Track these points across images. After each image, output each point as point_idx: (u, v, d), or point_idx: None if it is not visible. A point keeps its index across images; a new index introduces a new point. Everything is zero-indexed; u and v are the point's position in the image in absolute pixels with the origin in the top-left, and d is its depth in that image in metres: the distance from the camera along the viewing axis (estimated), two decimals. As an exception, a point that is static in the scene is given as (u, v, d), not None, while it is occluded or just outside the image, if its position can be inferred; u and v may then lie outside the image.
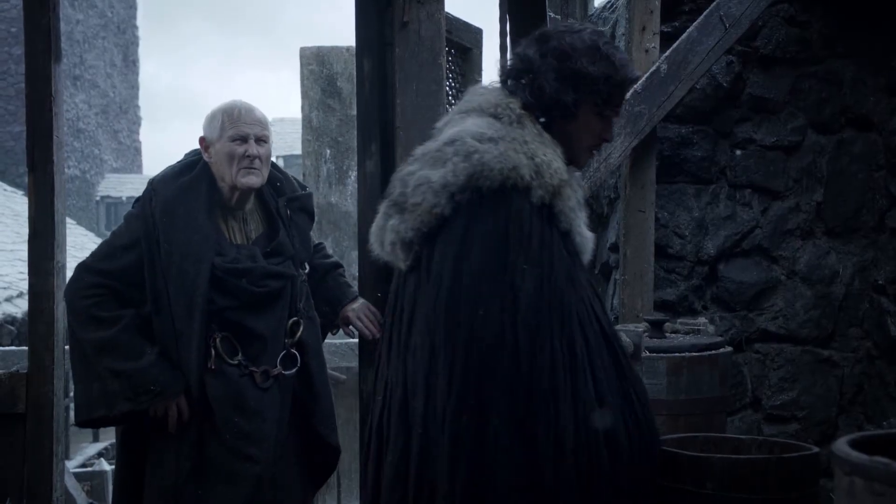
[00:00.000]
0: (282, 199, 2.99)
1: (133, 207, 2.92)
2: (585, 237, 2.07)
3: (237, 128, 2.86)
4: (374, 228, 2.11)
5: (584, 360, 1.93)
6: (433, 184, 1.98)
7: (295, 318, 2.89)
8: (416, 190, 2.00)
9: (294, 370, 2.85)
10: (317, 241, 3.19)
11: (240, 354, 2.81)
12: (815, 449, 2.21)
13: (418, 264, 2.02)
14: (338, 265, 3.16)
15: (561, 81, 2.05)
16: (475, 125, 2.04)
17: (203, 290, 2.75)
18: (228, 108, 2.91)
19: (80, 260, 2.86)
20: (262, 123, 2.93)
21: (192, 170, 2.90)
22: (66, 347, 3.06)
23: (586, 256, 2.09)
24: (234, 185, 2.86)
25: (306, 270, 2.97)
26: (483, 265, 1.94)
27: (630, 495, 1.97)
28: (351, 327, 3.01)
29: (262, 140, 2.89)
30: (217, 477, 2.74)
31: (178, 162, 2.97)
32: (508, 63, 2.16)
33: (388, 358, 2.13)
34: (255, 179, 2.87)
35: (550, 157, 2.01)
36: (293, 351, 2.87)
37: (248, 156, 2.84)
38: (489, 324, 1.91)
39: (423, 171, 2.01)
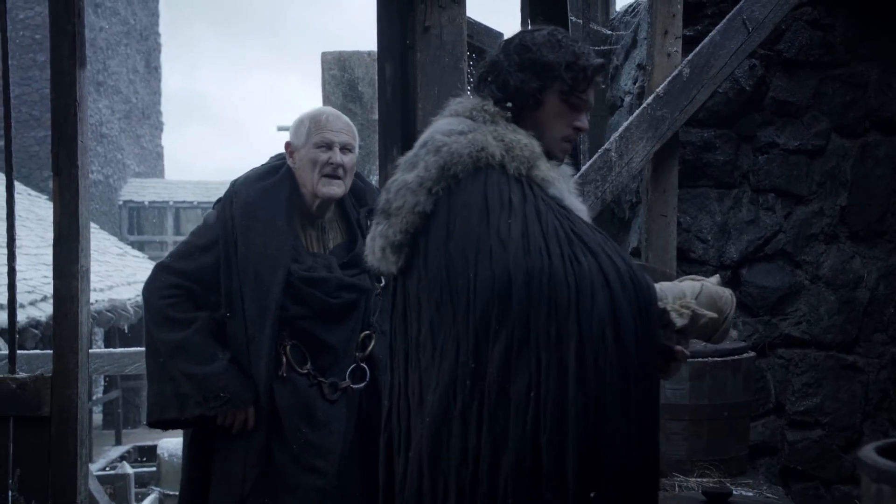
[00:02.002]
0: (363, 210, 2.95)
1: (213, 208, 2.92)
2: (578, 207, 2.10)
3: (322, 134, 2.84)
4: (367, 240, 2.17)
5: (587, 296, 1.90)
6: (410, 184, 2.04)
7: (367, 332, 2.85)
8: (397, 194, 2.06)
9: (363, 384, 2.81)
10: None
11: (309, 364, 2.78)
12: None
13: (412, 265, 2.06)
14: None
15: (523, 71, 2.12)
16: (446, 123, 2.12)
17: (277, 296, 2.73)
18: (316, 114, 2.90)
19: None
20: (350, 132, 2.90)
21: (276, 174, 2.89)
22: (91, 351, 3.08)
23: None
24: (315, 193, 2.85)
25: (382, 284, 2.92)
26: (466, 235, 1.97)
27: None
28: None
29: (347, 149, 2.87)
30: (283, 487, 2.71)
31: (262, 164, 2.97)
32: (478, 72, 2.23)
33: (398, 362, 2.13)
34: (337, 189, 2.85)
35: (521, 137, 2.07)
36: (363, 365, 2.83)
37: (332, 163, 2.82)
38: (482, 283, 1.93)
39: (402, 176, 2.08)
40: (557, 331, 1.88)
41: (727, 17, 3.95)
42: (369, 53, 6.59)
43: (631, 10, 4.89)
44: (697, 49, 3.93)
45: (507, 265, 1.91)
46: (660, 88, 3.88)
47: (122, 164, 21.23)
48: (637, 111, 3.92)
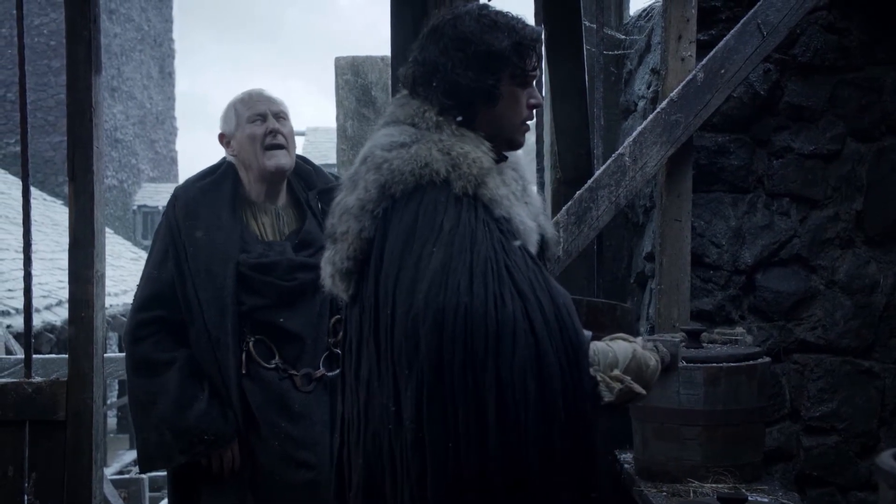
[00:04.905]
0: (312, 192, 2.89)
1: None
2: (528, 227, 1.96)
3: (253, 108, 2.80)
4: (321, 263, 2.05)
5: (507, 343, 1.75)
6: (351, 208, 1.91)
7: (338, 316, 2.69)
8: (341, 218, 1.94)
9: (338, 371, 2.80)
10: None
11: (276, 357, 2.74)
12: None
13: (360, 292, 1.95)
14: None
15: (472, 68, 1.94)
16: (386, 135, 1.96)
17: (231, 291, 2.67)
18: (241, 96, 2.87)
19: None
20: (279, 101, 2.85)
21: (215, 172, 2.86)
22: (105, 355, 3.08)
23: (531, 248, 1.96)
24: (263, 170, 2.77)
25: None
26: (390, 264, 1.85)
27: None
28: None
29: (280, 116, 2.81)
30: (274, 488, 2.67)
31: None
32: (411, 72, 2.05)
33: (342, 393, 2.06)
34: (284, 160, 2.78)
35: (469, 149, 1.91)
36: (337, 351, 2.71)
37: (272, 131, 2.77)
38: (398, 318, 1.81)
39: (344, 198, 1.95)
40: (475, 380, 1.72)
41: (741, 21, 3.94)
42: (383, 58, 6.61)
43: (645, 15, 4.88)
44: (712, 53, 3.92)
45: (417, 302, 1.76)
46: (674, 93, 3.88)
47: (137, 169, 21.32)
48: (651, 116, 3.91)
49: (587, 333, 1.88)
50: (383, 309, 1.84)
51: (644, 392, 1.91)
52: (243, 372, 2.69)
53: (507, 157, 2.07)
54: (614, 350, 1.92)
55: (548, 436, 1.75)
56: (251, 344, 2.71)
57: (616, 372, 1.88)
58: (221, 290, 2.68)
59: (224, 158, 2.89)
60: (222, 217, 2.76)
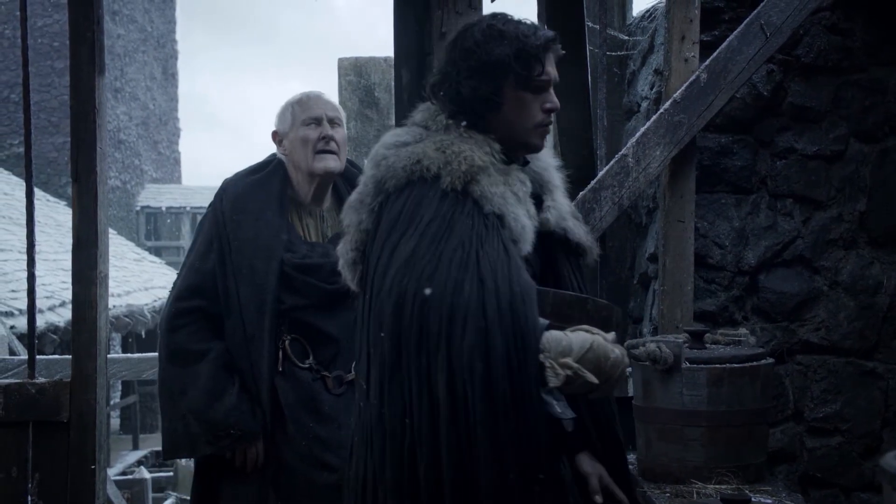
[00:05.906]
0: None
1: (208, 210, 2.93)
2: (523, 225, 2.04)
3: (309, 111, 2.83)
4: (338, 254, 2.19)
5: (458, 327, 1.85)
6: (352, 202, 2.06)
7: None
8: (346, 212, 2.09)
9: None
10: None
11: (311, 358, 2.76)
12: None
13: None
14: None
15: (473, 77, 2.05)
16: (394, 135, 2.10)
17: (273, 288, 2.70)
18: (298, 97, 2.89)
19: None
20: (335, 107, 2.89)
21: (265, 168, 2.88)
22: (109, 356, 3.09)
23: (524, 246, 2.05)
24: (311, 172, 2.80)
25: None
26: (373, 254, 1.98)
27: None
28: None
29: (335, 122, 2.84)
30: (296, 487, 2.68)
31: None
32: (431, 80, 2.18)
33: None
34: (333, 164, 2.81)
35: (465, 148, 2.01)
36: None
37: (324, 137, 2.80)
38: (372, 302, 1.95)
39: (353, 194, 2.11)
40: (428, 360, 1.85)
41: (745, 21, 3.94)
42: (385, 59, 6.62)
43: (648, 16, 4.88)
44: (715, 54, 3.92)
45: (385, 287, 1.90)
46: (677, 94, 3.87)
47: (140, 170, 21.35)
48: (654, 116, 3.91)
49: (543, 322, 1.94)
50: (364, 295, 1.99)
51: (596, 381, 1.94)
52: (279, 370, 2.71)
53: (525, 161, 2.17)
54: (570, 339, 1.96)
55: (493, 413, 1.85)
56: (287, 343, 2.73)
57: (566, 360, 1.92)
58: (263, 287, 2.71)
59: (274, 155, 2.91)
60: (269, 214, 2.78)
